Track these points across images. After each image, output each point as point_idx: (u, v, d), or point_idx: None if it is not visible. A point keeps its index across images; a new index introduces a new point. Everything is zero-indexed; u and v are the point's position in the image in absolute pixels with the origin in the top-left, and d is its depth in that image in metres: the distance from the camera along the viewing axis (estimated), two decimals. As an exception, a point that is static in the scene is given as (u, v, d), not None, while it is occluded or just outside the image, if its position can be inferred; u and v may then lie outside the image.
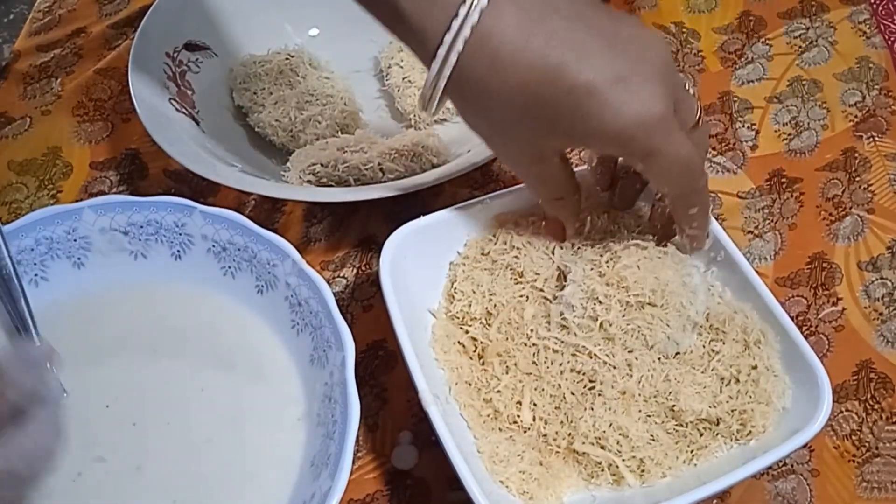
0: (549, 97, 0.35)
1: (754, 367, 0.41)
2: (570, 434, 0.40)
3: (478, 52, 0.34)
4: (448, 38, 0.34)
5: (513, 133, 0.37)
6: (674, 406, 0.40)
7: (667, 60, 0.36)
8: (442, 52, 0.35)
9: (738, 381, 0.41)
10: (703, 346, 0.42)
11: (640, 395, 0.40)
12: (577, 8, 0.35)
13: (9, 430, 0.32)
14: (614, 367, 0.40)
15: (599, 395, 0.40)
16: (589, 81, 0.34)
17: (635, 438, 0.39)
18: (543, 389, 0.41)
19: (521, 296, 0.43)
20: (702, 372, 0.41)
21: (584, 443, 0.40)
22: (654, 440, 0.40)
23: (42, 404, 0.33)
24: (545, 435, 0.40)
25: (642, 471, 0.39)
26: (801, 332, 0.41)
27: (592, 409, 0.40)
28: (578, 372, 0.41)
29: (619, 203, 0.46)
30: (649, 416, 0.40)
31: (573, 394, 0.41)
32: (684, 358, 0.41)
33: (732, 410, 0.40)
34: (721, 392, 0.41)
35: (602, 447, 0.40)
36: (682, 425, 0.40)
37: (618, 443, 0.40)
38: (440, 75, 0.35)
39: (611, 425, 0.40)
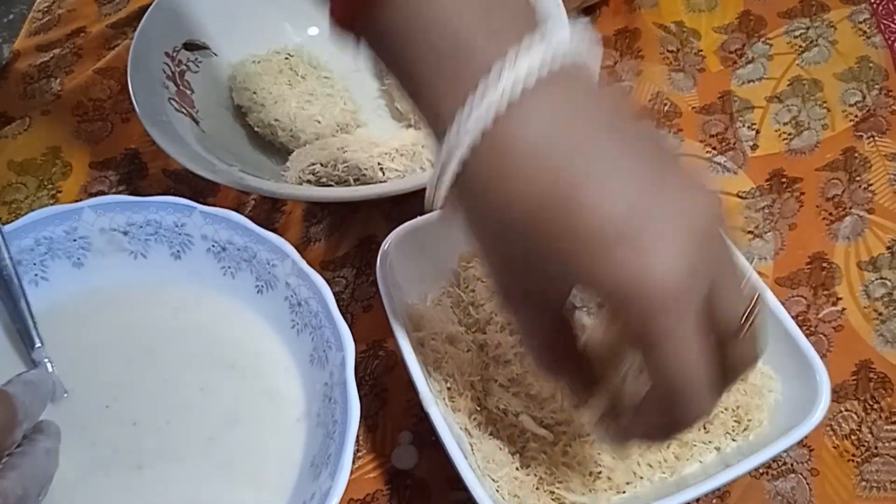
0: (551, 225, 0.27)
1: None
2: (564, 432, 0.40)
3: (485, 156, 0.28)
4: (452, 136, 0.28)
5: (512, 255, 0.30)
6: None
7: (712, 226, 0.27)
8: (445, 150, 0.29)
9: None
10: None
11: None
12: (609, 121, 0.28)
13: (19, 458, 0.34)
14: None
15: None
16: (608, 213, 0.26)
17: (633, 448, 0.40)
18: (543, 392, 0.41)
19: None
20: None
21: (581, 445, 0.40)
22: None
23: (46, 433, 0.36)
24: (543, 438, 0.40)
25: (640, 477, 0.40)
26: (801, 332, 0.41)
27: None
28: None
29: None
30: None
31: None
32: None
33: (726, 408, 0.41)
34: None
35: (599, 452, 0.40)
36: None
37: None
38: (447, 169, 0.29)
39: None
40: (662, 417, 0.29)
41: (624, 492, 0.39)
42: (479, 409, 0.41)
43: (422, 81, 0.29)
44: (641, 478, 0.40)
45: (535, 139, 0.27)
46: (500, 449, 0.40)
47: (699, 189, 0.27)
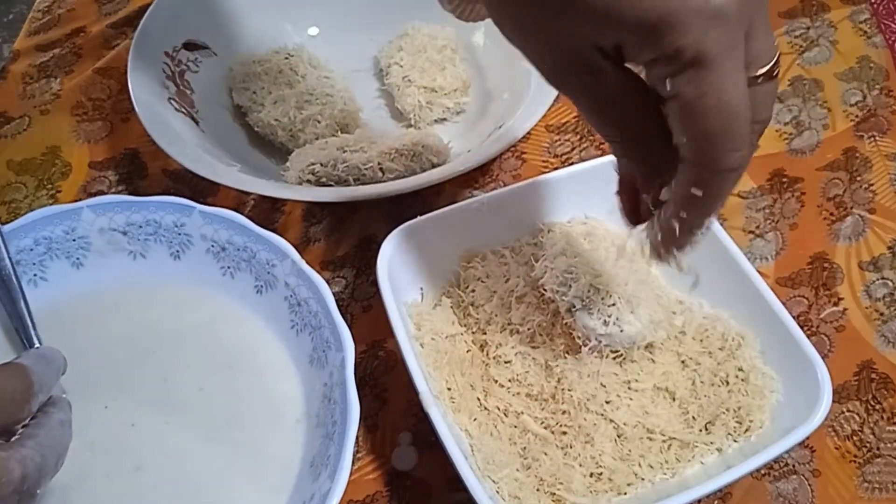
0: None
1: (740, 369, 0.42)
2: (565, 433, 0.40)
3: None
4: None
5: (544, 24, 0.28)
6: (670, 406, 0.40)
7: None
8: None
9: (727, 383, 0.42)
10: (688, 359, 0.43)
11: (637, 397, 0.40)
12: None
13: (35, 429, 0.34)
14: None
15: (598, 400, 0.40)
16: None
17: (634, 446, 0.40)
18: (544, 393, 0.41)
19: (526, 302, 0.43)
20: (692, 384, 0.42)
21: (583, 446, 0.40)
22: (651, 442, 0.40)
23: (58, 406, 0.36)
24: (544, 439, 0.40)
25: (641, 478, 0.39)
26: (803, 333, 0.41)
27: (589, 411, 0.40)
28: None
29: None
30: (648, 431, 0.41)
31: (573, 399, 0.41)
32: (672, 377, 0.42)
33: (727, 409, 0.41)
34: (714, 395, 0.41)
35: (601, 453, 0.39)
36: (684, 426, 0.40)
37: (617, 447, 0.40)
38: None
39: (612, 423, 0.40)
40: (703, 170, 0.28)
41: (625, 493, 0.39)
42: (479, 409, 0.41)
43: None
44: (642, 479, 0.39)
45: None
46: (501, 450, 0.40)
47: None
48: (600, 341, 0.41)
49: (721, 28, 0.25)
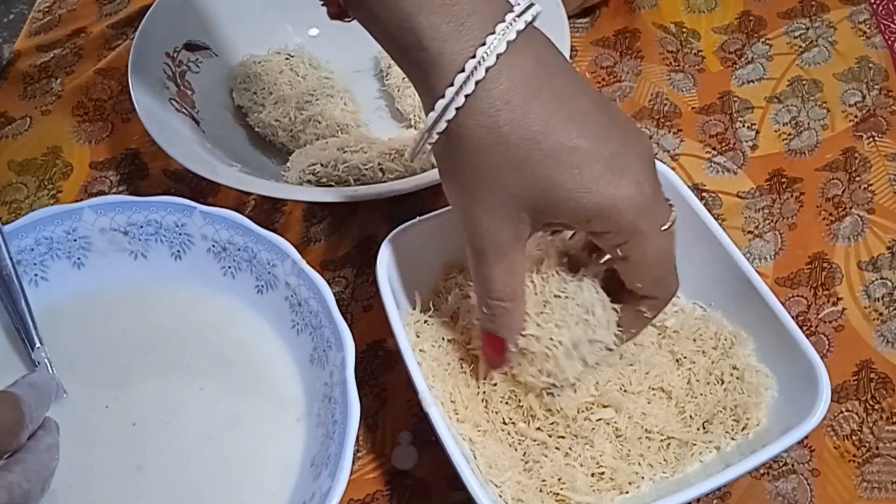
0: (551, 151, 0.34)
1: (735, 367, 0.42)
2: (562, 437, 0.40)
3: (487, 95, 0.34)
4: (459, 79, 0.33)
5: (500, 191, 0.35)
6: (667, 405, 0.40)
7: (652, 156, 0.36)
8: (461, 77, 0.33)
9: (722, 381, 0.42)
10: (683, 358, 0.43)
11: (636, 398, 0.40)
12: (576, 78, 0.35)
13: (24, 454, 0.34)
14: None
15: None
16: (590, 147, 0.34)
17: (633, 446, 0.40)
18: (543, 397, 0.41)
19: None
20: (687, 383, 0.42)
21: (582, 447, 0.40)
22: (649, 441, 0.40)
23: (46, 429, 0.36)
24: (544, 443, 0.40)
25: (642, 477, 0.39)
26: (802, 332, 0.41)
27: (588, 409, 0.40)
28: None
29: None
30: (647, 433, 0.41)
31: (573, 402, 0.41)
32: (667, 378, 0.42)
33: (724, 408, 0.41)
34: (710, 394, 0.42)
35: (601, 453, 0.40)
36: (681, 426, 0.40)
37: (617, 447, 0.40)
38: (451, 105, 0.34)
39: (610, 424, 0.40)
40: (654, 300, 0.39)
41: (627, 492, 0.39)
42: (481, 413, 0.41)
43: (421, 32, 0.34)
44: (643, 478, 0.39)
45: (522, 85, 0.34)
46: (503, 454, 0.40)
47: (637, 128, 0.37)
48: (551, 392, 0.40)
49: (648, 209, 0.35)
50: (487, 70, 0.33)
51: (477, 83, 0.33)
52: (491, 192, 0.35)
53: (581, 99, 0.35)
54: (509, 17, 0.34)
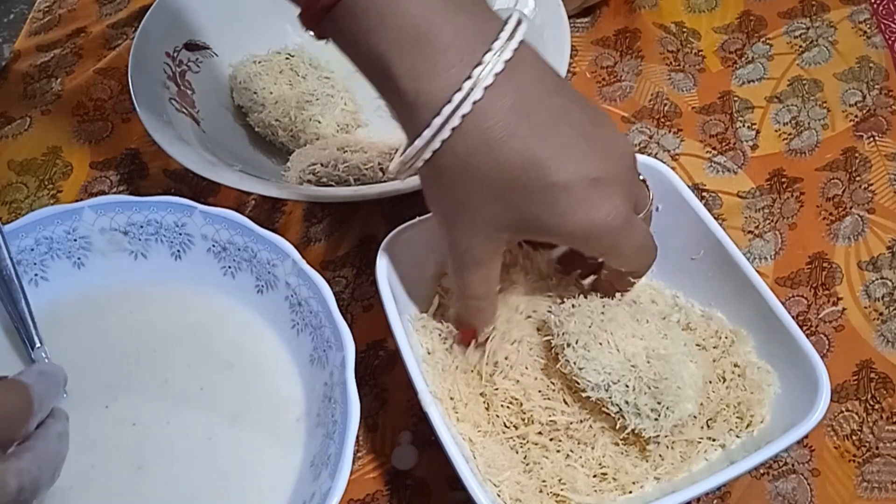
0: (529, 186, 0.35)
1: (736, 365, 0.42)
2: (561, 441, 0.40)
3: (470, 130, 0.34)
4: (448, 109, 0.33)
5: (480, 217, 0.37)
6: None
7: (631, 159, 0.38)
8: (438, 121, 0.34)
9: (724, 379, 0.42)
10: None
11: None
12: (561, 103, 0.36)
13: (33, 441, 0.34)
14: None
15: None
16: (567, 181, 0.35)
17: (637, 446, 0.40)
18: (542, 396, 0.41)
19: (519, 312, 0.43)
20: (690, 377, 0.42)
21: (583, 449, 0.40)
22: (655, 441, 0.40)
23: (56, 417, 0.36)
24: (544, 446, 0.40)
25: (646, 476, 0.39)
26: (802, 332, 0.41)
27: (587, 409, 0.40)
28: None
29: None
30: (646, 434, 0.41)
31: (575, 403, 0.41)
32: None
33: (727, 405, 0.41)
34: (713, 392, 0.41)
35: (603, 455, 0.39)
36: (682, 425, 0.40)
37: (620, 448, 0.40)
38: (429, 146, 0.34)
39: (612, 430, 0.40)
40: (638, 267, 0.42)
41: (630, 492, 0.39)
42: (481, 413, 0.41)
43: (400, 75, 0.34)
44: (647, 477, 0.39)
45: (507, 111, 0.34)
46: (503, 454, 0.40)
47: (617, 134, 0.38)
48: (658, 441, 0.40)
49: (622, 228, 0.37)
50: (474, 103, 0.33)
51: (453, 129, 0.34)
52: (471, 220, 0.37)
53: (562, 129, 0.35)
54: (497, 44, 0.34)
